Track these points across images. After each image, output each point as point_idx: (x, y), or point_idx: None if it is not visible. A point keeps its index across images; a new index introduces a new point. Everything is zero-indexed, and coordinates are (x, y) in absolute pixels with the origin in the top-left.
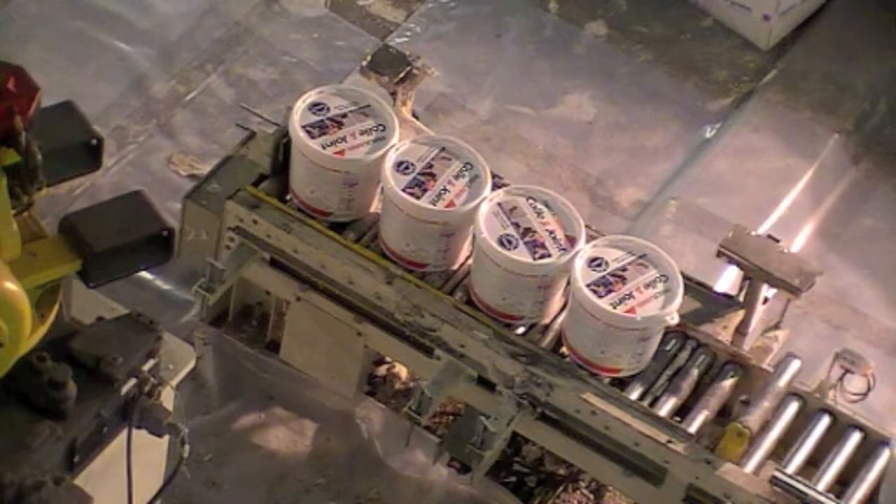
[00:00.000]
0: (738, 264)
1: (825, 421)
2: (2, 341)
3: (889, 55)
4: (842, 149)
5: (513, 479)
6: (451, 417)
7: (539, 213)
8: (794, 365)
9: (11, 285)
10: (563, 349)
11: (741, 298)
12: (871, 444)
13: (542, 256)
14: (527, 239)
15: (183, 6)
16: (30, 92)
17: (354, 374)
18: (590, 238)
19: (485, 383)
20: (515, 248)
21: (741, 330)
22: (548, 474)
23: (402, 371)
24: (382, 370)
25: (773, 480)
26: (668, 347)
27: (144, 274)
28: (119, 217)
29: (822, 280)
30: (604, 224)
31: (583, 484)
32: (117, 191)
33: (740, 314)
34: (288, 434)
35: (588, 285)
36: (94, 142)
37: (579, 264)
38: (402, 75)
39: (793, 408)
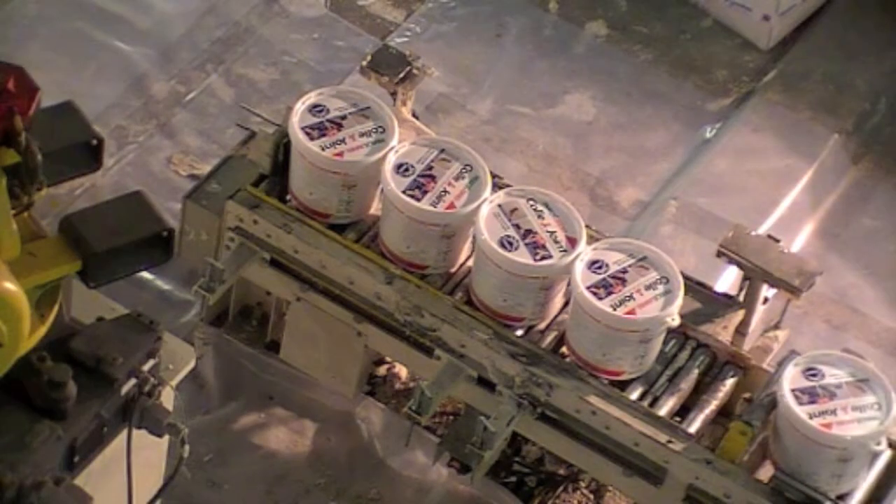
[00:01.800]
0: (738, 264)
1: None
2: (1, 342)
3: (889, 55)
4: (842, 149)
5: (513, 479)
6: (451, 417)
7: (539, 215)
8: None
9: (11, 285)
10: (563, 349)
11: (741, 298)
12: None
13: (542, 258)
14: (527, 240)
15: (183, 6)
16: (30, 92)
17: (354, 374)
18: (590, 239)
19: (485, 383)
20: (516, 249)
21: (741, 330)
22: (548, 474)
23: (402, 371)
24: (382, 370)
25: (774, 480)
26: (667, 348)
27: (144, 274)
28: (119, 217)
29: (822, 280)
30: (604, 224)
31: (583, 484)
32: (117, 191)
33: (740, 314)
34: (288, 434)
35: (588, 287)
36: (95, 142)
37: (579, 267)
38: (402, 75)
39: None
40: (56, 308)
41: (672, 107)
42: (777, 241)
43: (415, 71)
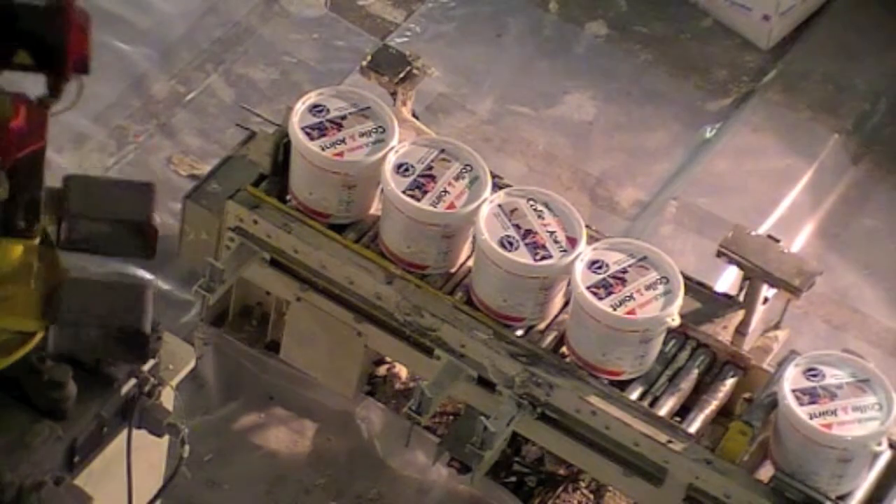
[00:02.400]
0: (738, 264)
1: None
2: None
3: (889, 55)
4: (842, 149)
5: (513, 479)
6: (451, 417)
7: (540, 215)
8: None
9: None
10: (563, 349)
11: (741, 298)
12: None
13: (542, 258)
14: (527, 240)
15: (183, 6)
16: (33, 137)
17: (354, 374)
18: (590, 239)
19: (485, 383)
20: (516, 249)
21: (741, 330)
22: (548, 474)
23: (402, 371)
24: (382, 370)
25: (774, 480)
26: (667, 348)
27: (144, 274)
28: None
29: (822, 280)
30: (604, 224)
31: (583, 484)
32: None
33: (740, 314)
34: (288, 434)
35: (588, 287)
36: (150, 229)
37: (579, 267)
38: (402, 75)
39: None
40: (18, 355)
41: (672, 107)
42: (777, 241)
43: (415, 71)
